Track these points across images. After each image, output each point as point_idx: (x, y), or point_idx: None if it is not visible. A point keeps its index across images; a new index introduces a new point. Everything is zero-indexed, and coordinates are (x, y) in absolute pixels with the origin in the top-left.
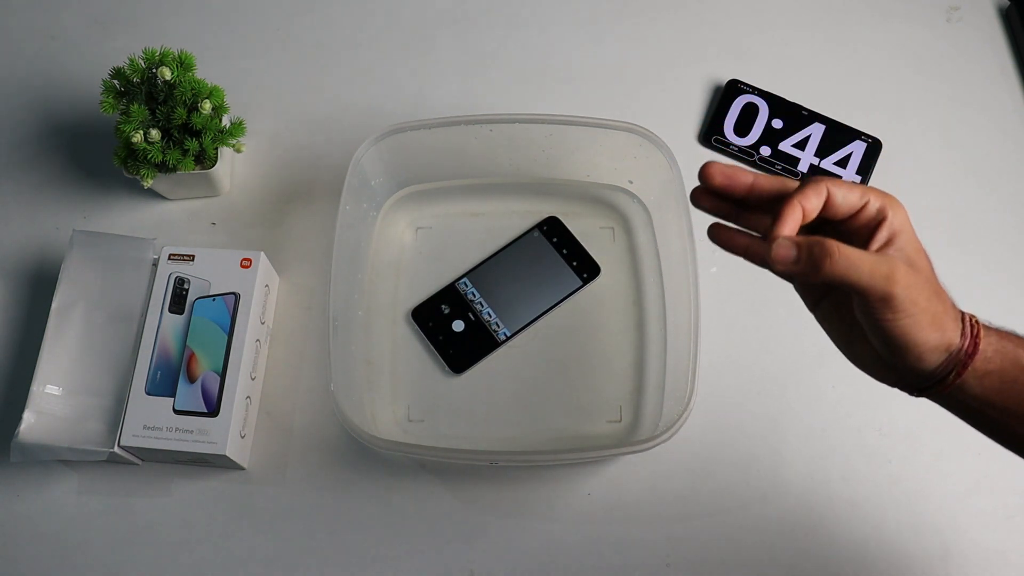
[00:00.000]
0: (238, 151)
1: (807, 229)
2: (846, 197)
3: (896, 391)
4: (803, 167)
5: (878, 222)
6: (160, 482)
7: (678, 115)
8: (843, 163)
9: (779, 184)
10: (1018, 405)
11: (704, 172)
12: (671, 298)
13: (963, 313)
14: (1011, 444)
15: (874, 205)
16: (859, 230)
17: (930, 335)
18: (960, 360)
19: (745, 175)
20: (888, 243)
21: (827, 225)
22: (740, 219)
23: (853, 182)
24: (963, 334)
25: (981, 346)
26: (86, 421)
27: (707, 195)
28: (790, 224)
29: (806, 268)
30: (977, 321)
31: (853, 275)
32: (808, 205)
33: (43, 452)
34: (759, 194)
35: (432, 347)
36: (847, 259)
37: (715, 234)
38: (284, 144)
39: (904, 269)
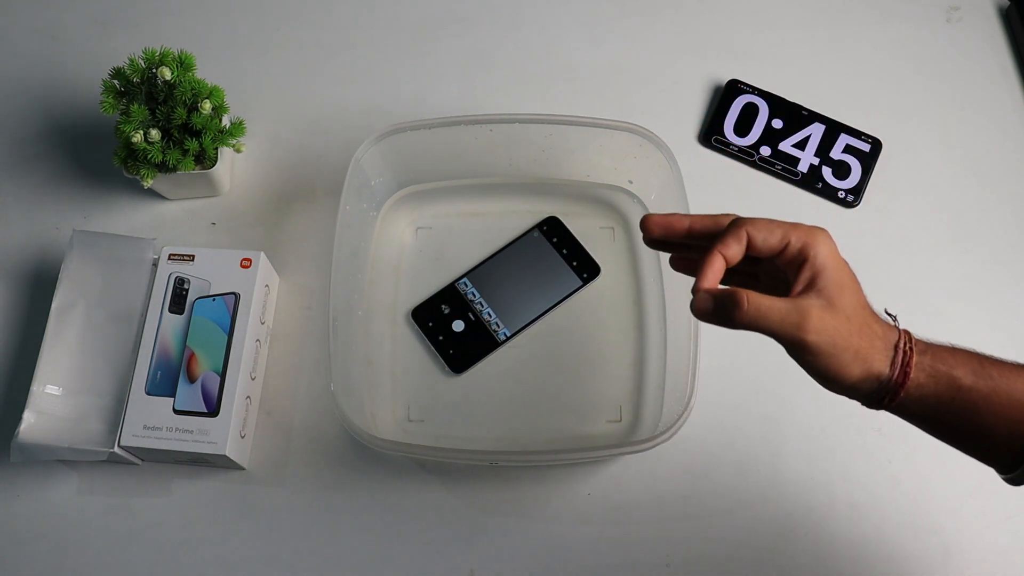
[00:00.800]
0: (238, 151)
1: (748, 262)
2: (766, 240)
3: None
4: (803, 167)
5: (801, 262)
6: (160, 482)
7: (678, 115)
8: (843, 164)
9: (712, 224)
10: (955, 422)
11: (644, 226)
12: (671, 298)
13: (899, 337)
14: (963, 450)
15: (795, 246)
16: (787, 267)
17: (853, 370)
18: (891, 388)
19: (681, 221)
20: (810, 284)
21: (762, 262)
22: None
23: (776, 221)
24: (893, 363)
25: (912, 374)
26: (86, 421)
27: (654, 241)
28: (710, 275)
29: (721, 318)
30: (911, 347)
31: (763, 324)
32: (729, 253)
33: (43, 452)
34: (698, 236)
35: (432, 347)
36: (756, 310)
37: (674, 264)
38: (284, 144)
39: (817, 315)
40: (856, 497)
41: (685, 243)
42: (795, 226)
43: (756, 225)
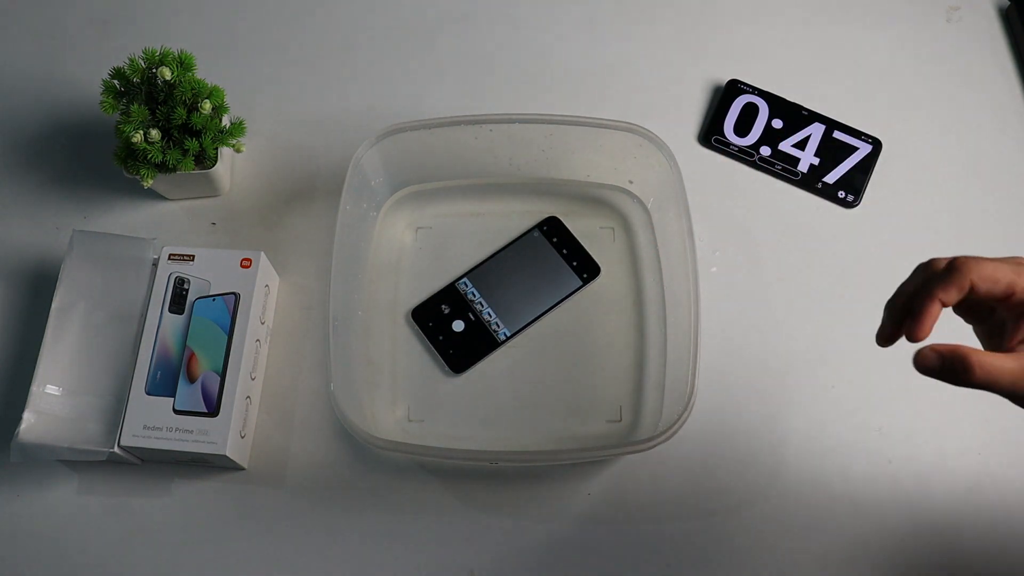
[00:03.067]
0: (238, 151)
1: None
2: (990, 290)
3: (897, 390)
4: (803, 167)
5: (1023, 312)
6: (160, 482)
7: (678, 115)
8: (844, 166)
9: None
10: None
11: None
12: (671, 298)
13: None
14: None
15: (1021, 296)
16: (1008, 312)
17: None
18: None
19: (919, 326)
20: None
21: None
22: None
23: (1000, 265)
24: None
25: None
26: (86, 421)
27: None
28: (928, 325)
29: (946, 377)
30: None
31: (995, 386)
32: (948, 300)
33: (43, 452)
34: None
35: (432, 347)
36: (986, 371)
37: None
38: (284, 144)
39: None
40: (856, 497)
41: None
42: (1015, 270)
43: (981, 271)
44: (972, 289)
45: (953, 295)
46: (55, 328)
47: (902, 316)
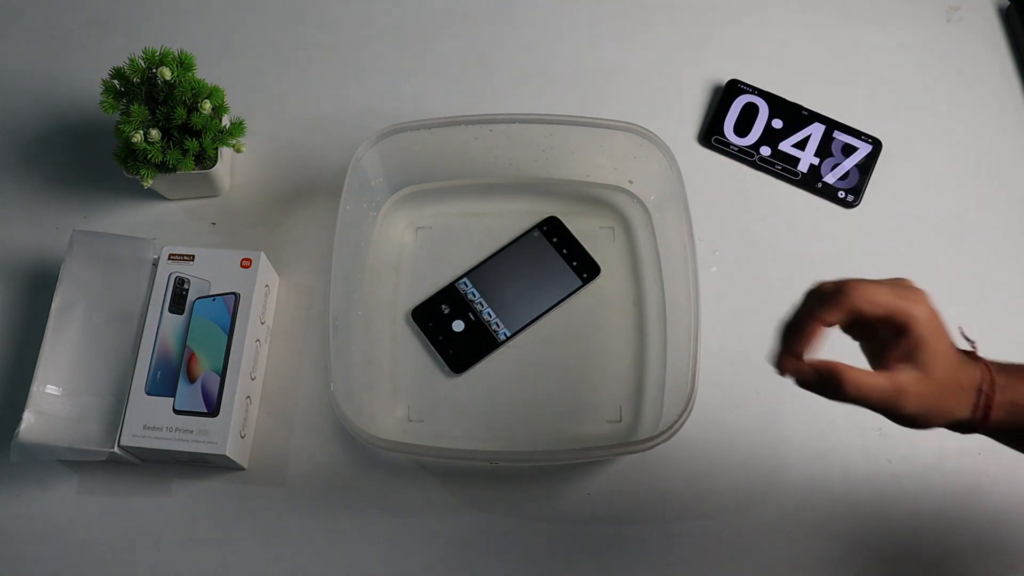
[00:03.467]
0: (238, 151)
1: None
2: (872, 312)
3: None
4: (803, 167)
5: (900, 332)
6: (160, 482)
7: (678, 115)
8: (844, 166)
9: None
10: None
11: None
12: (671, 298)
13: (979, 377)
14: None
15: (896, 319)
16: (886, 331)
17: (938, 423)
18: (972, 426)
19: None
20: (907, 355)
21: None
22: None
23: (880, 290)
24: (975, 407)
25: (992, 415)
26: (86, 421)
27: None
28: (812, 345)
29: (822, 391)
30: (993, 388)
31: (863, 402)
32: (831, 321)
33: (43, 452)
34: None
35: (432, 347)
36: (857, 390)
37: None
38: (284, 144)
39: (914, 389)
40: (856, 497)
41: None
42: (898, 295)
43: (864, 294)
44: (857, 311)
45: (836, 316)
46: (55, 328)
47: (792, 336)
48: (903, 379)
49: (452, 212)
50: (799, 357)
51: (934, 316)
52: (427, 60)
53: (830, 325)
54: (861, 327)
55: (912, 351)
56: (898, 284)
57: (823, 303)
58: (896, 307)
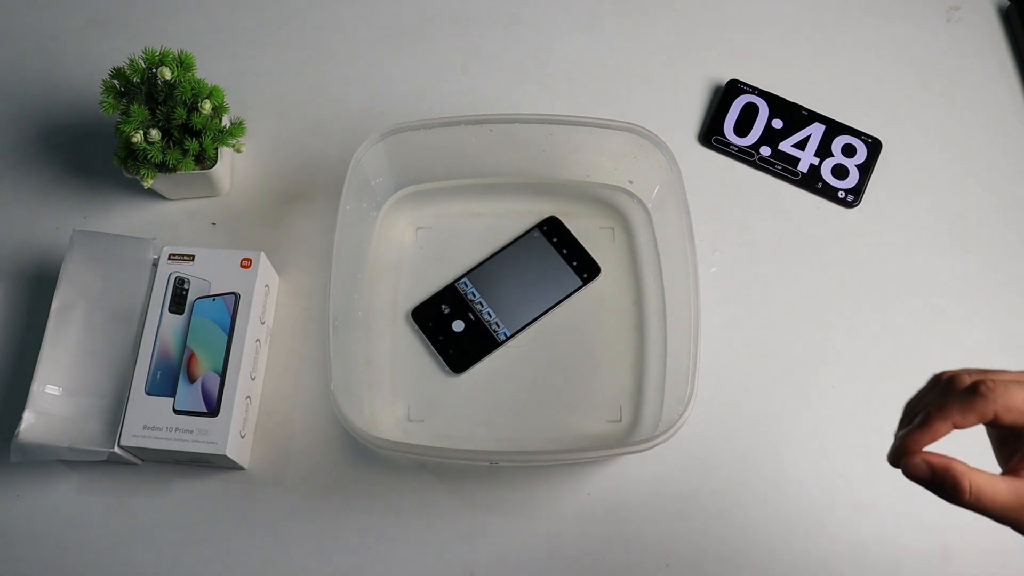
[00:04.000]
0: (238, 151)
1: None
2: (1016, 421)
3: (897, 390)
4: (803, 167)
5: None
6: (160, 482)
7: (678, 115)
8: (843, 164)
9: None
10: None
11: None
12: (671, 298)
13: None
14: None
15: None
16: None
17: None
18: None
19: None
20: None
21: None
22: None
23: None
24: None
25: None
26: (86, 421)
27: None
28: (929, 438)
29: (936, 492)
30: None
31: (983, 511)
32: (964, 425)
33: (43, 452)
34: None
35: (432, 347)
36: (977, 499)
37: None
38: (284, 144)
39: None
40: (856, 497)
41: None
42: None
43: (1009, 401)
44: (995, 419)
45: (971, 421)
46: (55, 328)
47: (914, 432)
48: None
49: (452, 212)
50: (908, 453)
51: None
52: (427, 60)
53: (961, 428)
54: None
55: None
56: None
57: (955, 401)
58: None
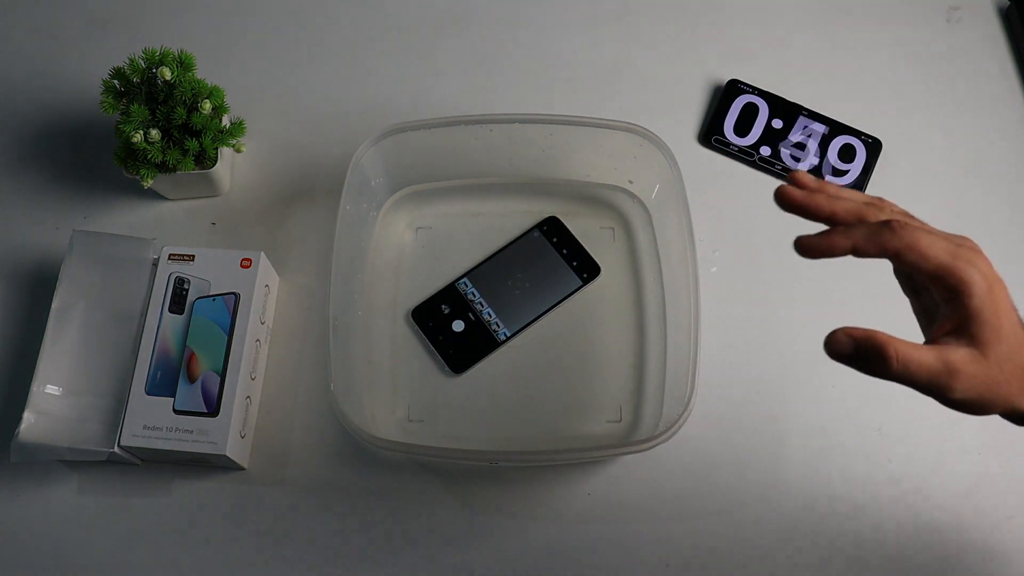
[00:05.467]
0: (238, 151)
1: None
2: (917, 264)
3: (896, 389)
4: (803, 167)
5: (953, 297)
6: (160, 482)
7: (678, 115)
8: (844, 166)
9: (857, 217)
10: None
11: (779, 196)
12: (671, 298)
13: None
14: None
15: (949, 281)
16: (937, 292)
17: (996, 410)
18: None
19: (822, 206)
20: (961, 327)
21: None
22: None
23: (934, 240)
24: None
25: None
26: (86, 421)
27: (791, 209)
28: (822, 248)
29: (861, 366)
30: None
31: (908, 381)
32: (862, 251)
33: (43, 452)
34: (840, 223)
35: (432, 347)
36: (903, 363)
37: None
38: (284, 144)
39: (967, 371)
40: (856, 497)
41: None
42: (954, 252)
43: (912, 244)
44: (897, 256)
45: (872, 250)
46: (55, 328)
47: (812, 215)
48: (955, 357)
49: (452, 212)
50: (808, 252)
51: (996, 284)
52: (427, 60)
53: (861, 254)
54: (911, 279)
55: (967, 323)
56: (960, 242)
57: (866, 228)
58: (949, 266)
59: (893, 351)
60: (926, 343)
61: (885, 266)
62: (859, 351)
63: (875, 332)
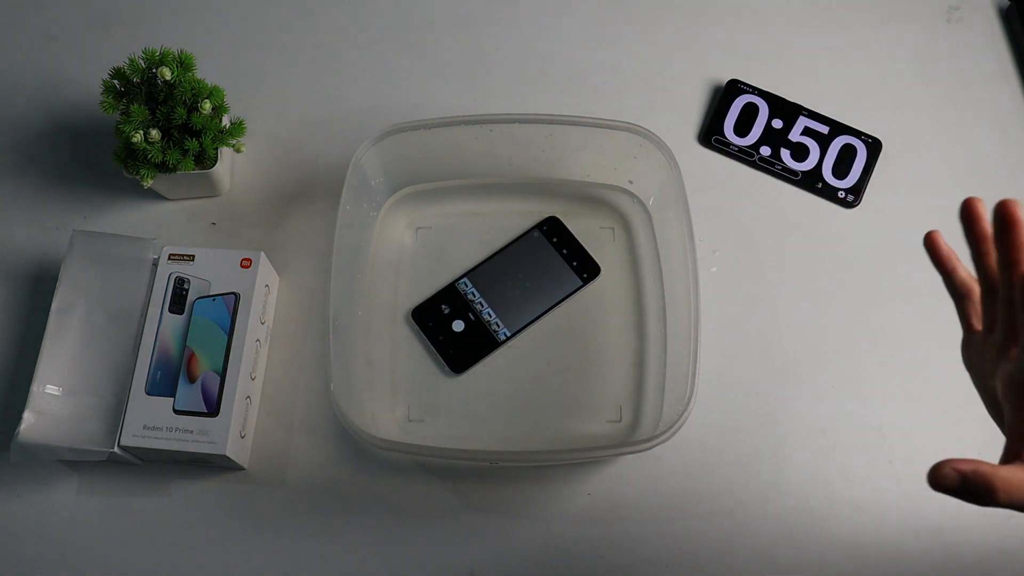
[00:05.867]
0: (238, 151)
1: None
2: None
3: (896, 389)
4: (803, 167)
5: None
6: (160, 482)
7: (678, 115)
8: (844, 166)
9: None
10: None
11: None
12: (671, 298)
13: None
14: None
15: None
16: None
17: None
18: None
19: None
20: None
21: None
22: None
23: None
24: None
25: None
26: (86, 421)
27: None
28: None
29: (968, 498)
30: None
31: (1015, 507)
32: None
33: (43, 452)
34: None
35: (432, 347)
36: (1009, 497)
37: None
38: (284, 144)
39: None
40: (856, 497)
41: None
42: None
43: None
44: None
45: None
46: (55, 328)
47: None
48: None
49: (452, 212)
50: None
51: None
52: (427, 60)
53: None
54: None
55: None
56: None
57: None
58: None
59: (1000, 483)
60: (1008, 462)
61: (886, 266)
62: (967, 485)
63: (980, 464)
